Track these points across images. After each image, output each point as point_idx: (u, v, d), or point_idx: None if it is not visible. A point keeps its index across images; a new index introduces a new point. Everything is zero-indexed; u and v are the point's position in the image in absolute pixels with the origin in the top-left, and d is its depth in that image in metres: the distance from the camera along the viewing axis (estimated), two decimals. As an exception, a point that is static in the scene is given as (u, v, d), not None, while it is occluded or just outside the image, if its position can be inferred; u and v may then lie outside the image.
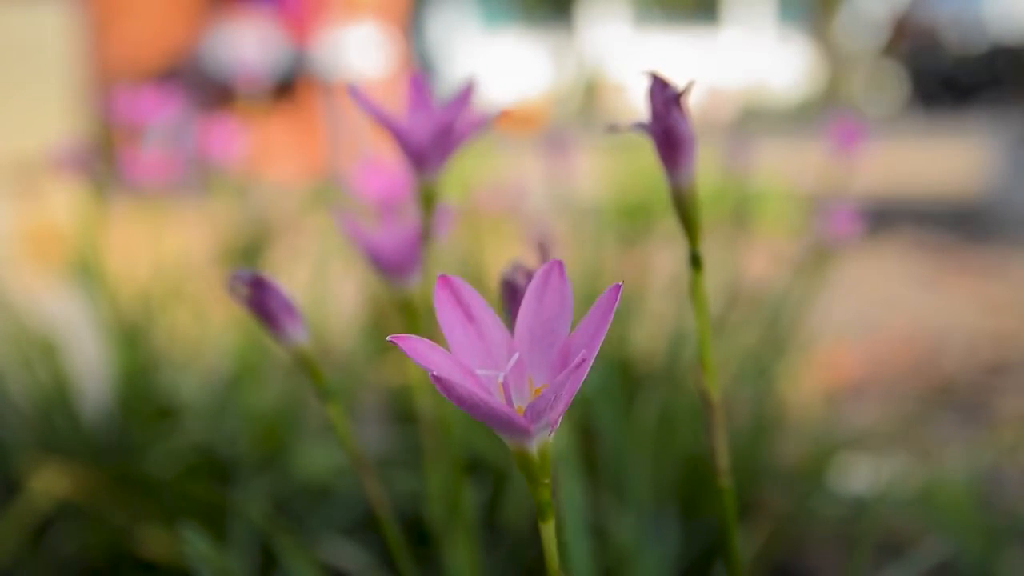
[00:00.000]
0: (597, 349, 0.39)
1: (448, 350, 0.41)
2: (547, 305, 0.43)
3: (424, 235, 0.68)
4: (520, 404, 0.42)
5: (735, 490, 0.56)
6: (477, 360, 0.42)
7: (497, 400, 0.39)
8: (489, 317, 0.43)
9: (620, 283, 0.40)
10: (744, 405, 1.30)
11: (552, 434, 0.41)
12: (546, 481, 0.41)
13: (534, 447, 0.40)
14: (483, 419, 0.38)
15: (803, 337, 1.47)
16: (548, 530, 0.42)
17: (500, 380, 0.41)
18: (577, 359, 0.37)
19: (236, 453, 1.24)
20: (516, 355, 0.41)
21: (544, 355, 0.43)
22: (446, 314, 0.42)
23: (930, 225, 4.08)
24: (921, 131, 8.20)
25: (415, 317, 0.72)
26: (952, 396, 1.95)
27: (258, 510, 0.98)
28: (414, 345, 0.39)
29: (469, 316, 0.43)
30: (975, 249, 3.62)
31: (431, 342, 0.40)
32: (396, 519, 0.67)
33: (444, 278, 0.42)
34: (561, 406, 0.39)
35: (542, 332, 0.43)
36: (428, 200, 0.67)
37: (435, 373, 0.36)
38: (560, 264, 0.43)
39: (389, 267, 0.72)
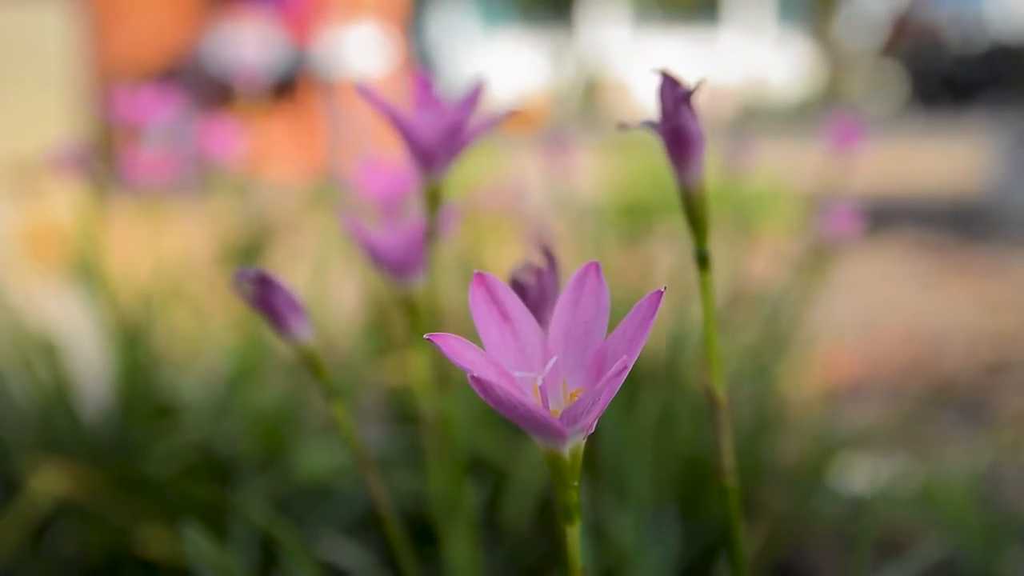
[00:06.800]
0: (637, 355, 0.38)
1: (482, 348, 0.41)
2: (583, 308, 0.42)
3: (429, 234, 0.68)
4: (555, 406, 0.42)
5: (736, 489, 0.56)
6: (512, 360, 0.42)
7: (534, 402, 0.38)
8: (524, 316, 0.42)
9: (662, 289, 0.39)
10: (744, 404, 1.29)
11: (585, 437, 0.40)
12: (575, 484, 0.41)
13: (567, 450, 0.40)
14: (518, 420, 0.38)
15: (803, 336, 1.46)
16: (573, 533, 0.42)
17: (538, 383, 0.40)
18: (617, 365, 0.37)
19: (236, 453, 1.24)
20: (554, 359, 0.41)
21: (579, 358, 0.42)
22: (481, 312, 0.42)
23: (930, 225, 4.09)
24: (921, 131, 8.20)
25: (418, 316, 0.72)
26: (952, 396, 1.95)
27: (258, 510, 0.98)
28: (451, 344, 0.39)
29: (504, 315, 0.42)
30: (975, 249, 3.62)
31: (468, 341, 0.40)
32: (397, 518, 0.67)
33: (480, 276, 0.42)
34: (597, 410, 0.39)
35: (577, 335, 0.42)
36: (434, 199, 0.66)
37: (474, 374, 0.36)
38: (597, 266, 0.43)
39: (393, 266, 0.71)
